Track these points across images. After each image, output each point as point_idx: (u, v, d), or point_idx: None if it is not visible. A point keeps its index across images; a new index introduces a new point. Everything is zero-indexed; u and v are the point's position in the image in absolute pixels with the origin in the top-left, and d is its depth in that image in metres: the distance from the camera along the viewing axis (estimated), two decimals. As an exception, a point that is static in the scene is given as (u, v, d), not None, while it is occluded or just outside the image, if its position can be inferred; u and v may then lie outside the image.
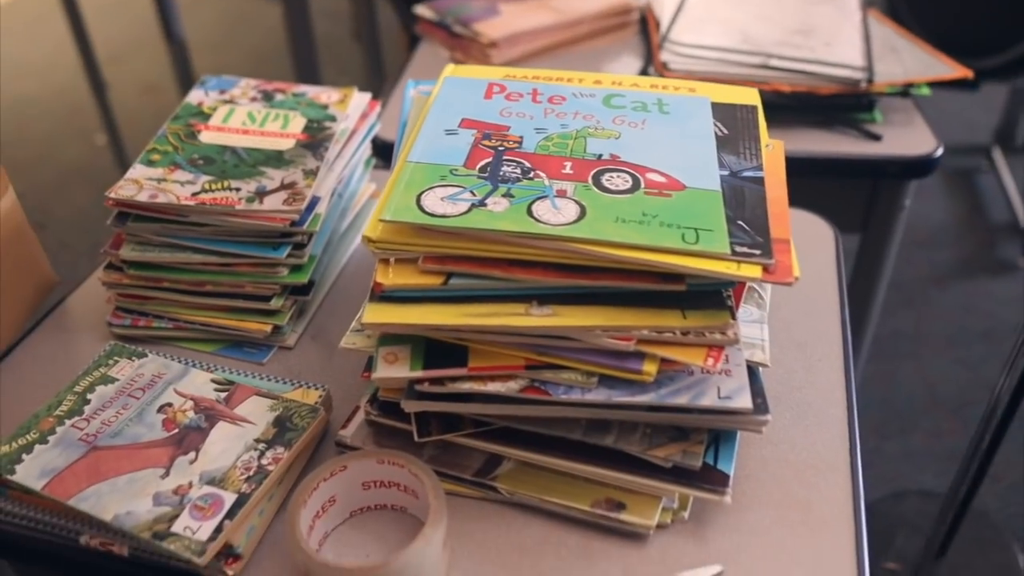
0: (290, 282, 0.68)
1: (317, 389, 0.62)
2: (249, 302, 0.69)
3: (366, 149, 0.84)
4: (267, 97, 0.82)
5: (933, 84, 1.00)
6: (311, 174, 0.71)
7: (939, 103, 1.34)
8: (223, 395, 0.60)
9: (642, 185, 0.54)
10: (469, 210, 0.52)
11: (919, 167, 0.96)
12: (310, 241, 0.69)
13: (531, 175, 0.55)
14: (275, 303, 0.68)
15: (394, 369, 0.52)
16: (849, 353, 0.67)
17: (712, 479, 0.53)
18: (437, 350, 0.53)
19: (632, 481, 0.53)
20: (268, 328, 0.69)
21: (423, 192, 0.53)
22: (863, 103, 1.02)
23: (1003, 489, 1.55)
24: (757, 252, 0.49)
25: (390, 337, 0.54)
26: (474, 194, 0.53)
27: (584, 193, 0.53)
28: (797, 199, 0.69)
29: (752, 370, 0.55)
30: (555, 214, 0.51)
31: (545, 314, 0.51)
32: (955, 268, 2.06)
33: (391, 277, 0.52)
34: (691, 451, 0.53)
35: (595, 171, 0.56)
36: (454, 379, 0.52)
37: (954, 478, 1.24)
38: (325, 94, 0.83)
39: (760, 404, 0.53)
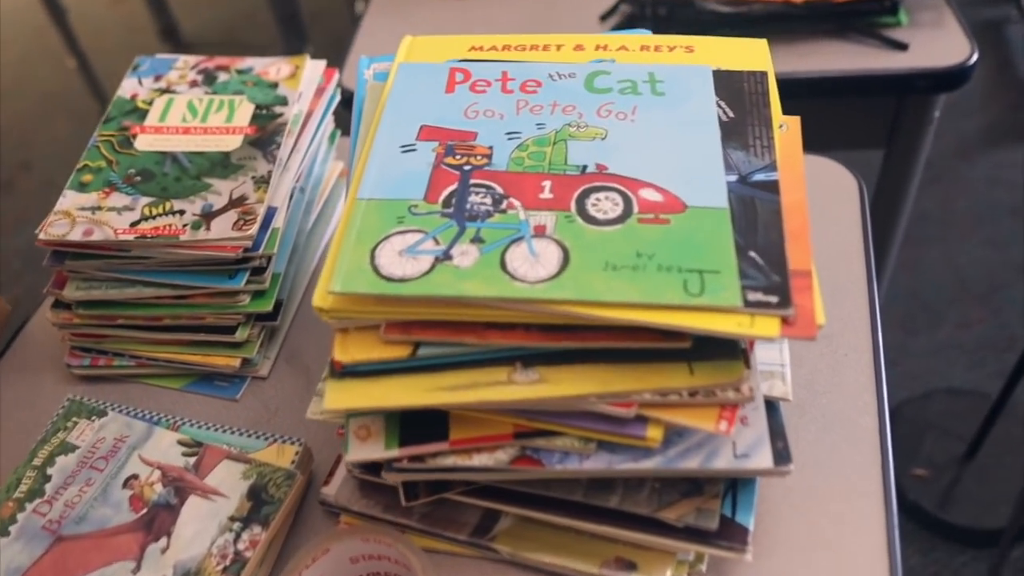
0: (254, 311, 0.62)
1: (293, 444, 0.56)
2: (213, 335, 0.62)
3: (328, 125, 0.75)
4: (208, 79, 0.72)
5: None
6: (262, 183, 0.63)
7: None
8: (191, 460, 0.55)
9: (635, 209, 0.46)
10: (432, 267, 0.44)
11: (952, 79, 0.85)
12: (270, 263, 0.62)
13: (504, 205, 0.47)
14: (240, 334, 0.62)
15: (367, 448, 0.46)
16: (879, 343, 0.60)
17: (730, 535, 0.48)
18: (415, 419, 0.47)
19: (643, 539, 0.48)
20: (236, 362, 0.63)
21: (378, 245, 0.45)
22: (886, 5, 0.90)
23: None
24: (773, 300, 0.42)
25: (360, 406, 0.48)
26: (437, 242, 0.45)
27: (566, 228, 0.45)
28: (810, 126, 0.60)
29: (771, 406, 0.49)
30: (533, 264, 0.44)
31: (531, 380, 0.44)
32: (982, 136, 1.93)
33: (351, 352, 0.45)
34: (706, 508, 0.47)
35: (579, 192, 0.47)
36: (436, 454, 0.46)
37: (1005, 382, 1.19)
38: (274, 67, 0.73)
39: (782, 451, 0.47)
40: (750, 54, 0.57)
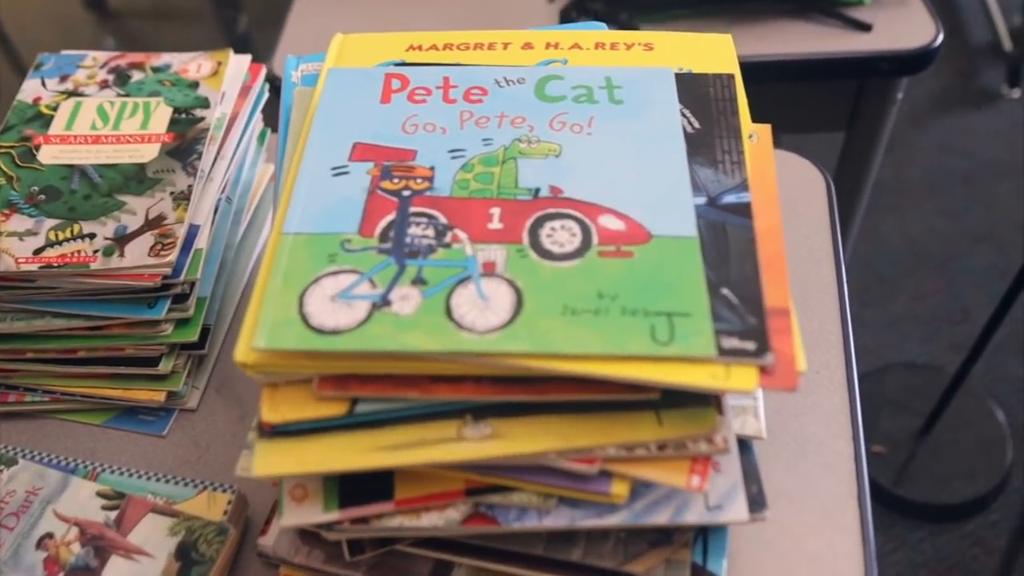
0: (178, 341, 0.56)
1: (225, 492, 0.51)
2: (134, 367, 0.57)
3: (256, 125, 0.69)
4: (121, 79, 0.65)
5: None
6: (182, 199, 0.56)
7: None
8: (113, 514, 0.50)
9: (594, 240, 0.42)
10: (369, 316, 0.39)
11: (916, 62, 0.82)
12: (193, 289, 0.56)
13: (448, 237, 0.42)
14: (164, 366, 0.56)
15: (304, 511, 0.42)
16: (851, 355, 0.57)
17: (703, 585, 0.44)
18: (356, 476, 0.42)
19: (609, 592, 0.45)
20: (161, 396, 0.57)
21: (307, 289, 0.40)
22: (849, -18, 0.85)
23: (986, 353, 1.51)
24: (750, 346, 0.38)
25: (295, 462, 0.43)
26: (374, 285, 0.40)
27: (519, 264, 0.41)
28: (768, 108, 0.56)
29: (744, 445, 0.45)
30: (482, 310, 0.39)
31: (483, 435, 0.40)
32: (933, 103, 1.92)
33: (281, 410, 0.40)
34: (676, 559, 0.44)
35: (532, 221, 0.43)
36: (380, 515, 0.42)
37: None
38: (194, 64, 0.66)
39: (756, 497, 0.44)
40: (714, 52, 0.53)
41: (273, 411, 0.40)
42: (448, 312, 0.39)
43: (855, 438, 0.53)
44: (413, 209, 0.43)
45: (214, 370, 0.61)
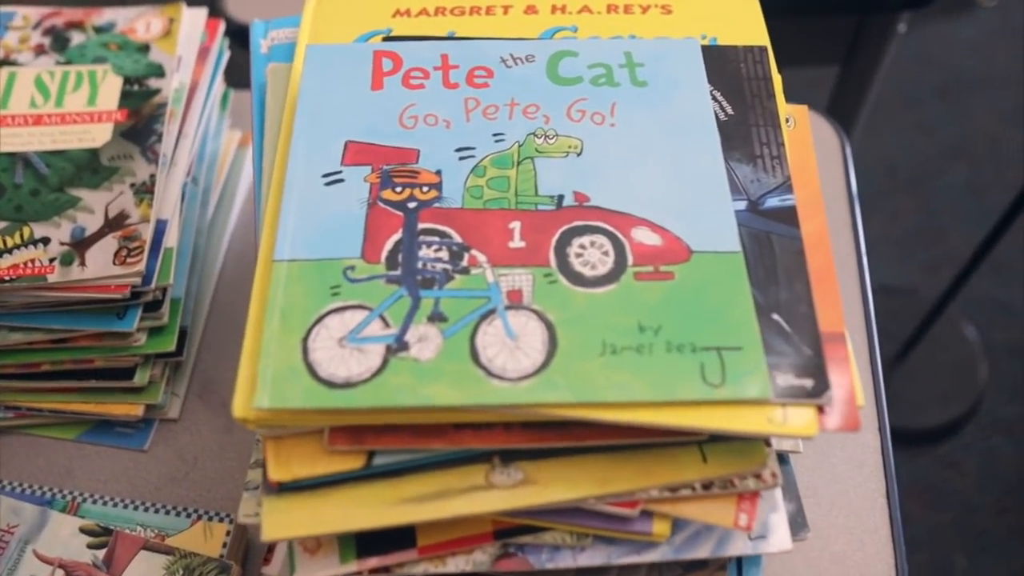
0: (153, 351, 0.51)
1: (222, 522, 0.48)
2: (106, 380, 0.52)
3: (218, 88, 0.62)
4: (59, 42, 0.57)
5: None
6: (144, 193, 0.50)
7: None
8: (100, 552, 0.46)
9: (629, 260, 0.37)
10: (385, 362, 0.35)
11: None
12: (166, 294, 0.50)
13: (465, 260, 0.37)
14: (140, 378, 0.51)
15: (318, 564, 0.38)
16: (875, 340, 0.54)
17: (740, 608, 0.42)
18: (372, 521, 0.39)
19: (642, 617, 0.43)
20: (139, 409, 0.52)
21: (311, 331, 0.35)
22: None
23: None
24: (808, 384, 0.34)
25: (304, 507, 0.39)
26: (387, 323, 0.36)
27: (548, 293, 0.36)
28: None
29: (781, 459, 0.43)
30: (512, 352, 0.35)
31: (514, 481, 0.36)
32: (908, 12, 1.86)
33: (291, 467, 0.36)
34: (714, 585, 0.42)
35: (558, 237, 0.38)
36: (402, 563, 0.39)
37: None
38: (142, 22, 0.59)
39: (796, 516, 0.41)
40: (739, 14, 0.48)
41: (281, 468, 0.36)
42: (474, 356, 0.35)
43: (881, 429, 0.51)
44: (422, 225, 0.38)
45: (194, 373, 0.56)
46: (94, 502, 0.49)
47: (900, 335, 1.33)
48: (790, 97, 0.43)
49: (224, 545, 0.46)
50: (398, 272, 0.37)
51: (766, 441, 0.37)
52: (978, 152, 1.62)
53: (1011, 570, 1.16)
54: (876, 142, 1.65)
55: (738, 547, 0.39)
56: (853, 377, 0.35)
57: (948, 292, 1.19)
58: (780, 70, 0.44)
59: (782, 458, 0.43)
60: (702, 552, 0.39)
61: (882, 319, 1.43)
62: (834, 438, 0.50)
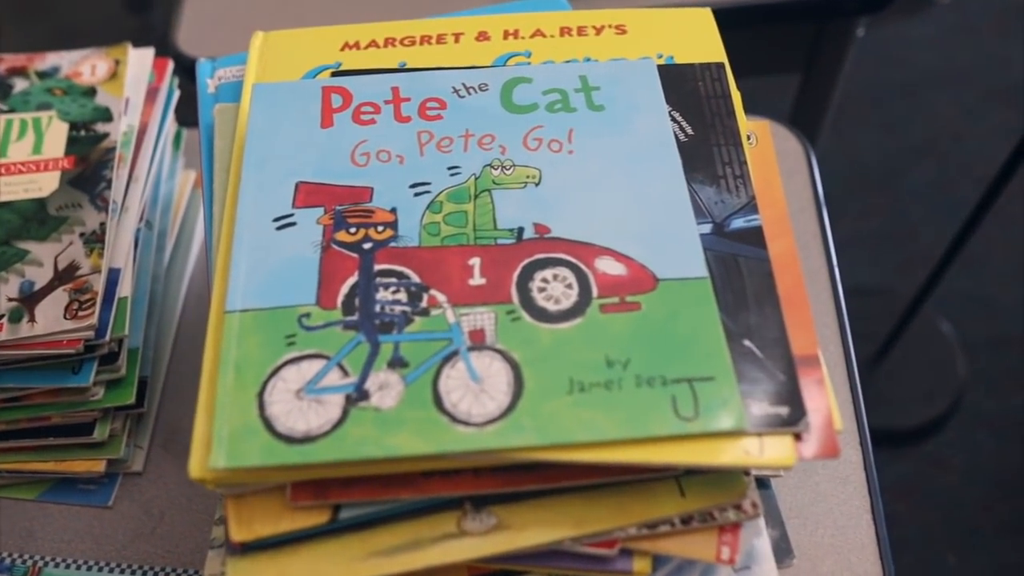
0: (112, 405, 0.49)
1: (191, 581, 0.46)
2: (65, 437, 0.50)
3: (169, 129, 0.60)
4: (2, 89, 0.56)
5: None
6: (95, 242, 0.49)
7: None
8: (61, 621, 0.44)
9: (594, 292, 0.36)
10: (345, 414, 0.33)
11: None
12: (122, 345, 0.49)
13: (423, 301, 0.36)
14: (100, 433, 0.49)
15: (288, 624, 0.37)
16: (851, 351, 0.53)
17: (729, 639, 0.41)
18: None
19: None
20: (101, 466, 0.50)
21: (266, 384, 0.34)
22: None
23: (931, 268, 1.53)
24: (783, 411, 0.33)
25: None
26: (346, 372, 0.34)
27: (512, 331, 0.35)
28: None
29: (761, 483, 0.42)
30: (477, 395, 0.33)
31: (487, 527, 0.35)
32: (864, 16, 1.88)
33: (253, 526, 0.34)
34: (701, 618, 0.41)
35: (520, 271, 0.37)
36: (376, 618, 0.37)
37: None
38: (87, 64, 0.57)
39: (780, 542, 0.40)
40: (695, 31, 0.47)
41: (243, 527, 0.34)
42: (438, 401, 0.33)
43: (862, 444, 0.50)
44: (378, 267, 0.37)
45: (157, 424, 0.54)
46: (56, 565, 0.47)
47: (877, 335, 1.33)
48: (754, 105, 0.43)
49: (193, 606, 0.44)
50: (355, 317, 0.36)
51: (744, 471, 0.36)
52: (944, 148, 1.64)
53: (1002, 565, 1.15)
54: (843, 143, 1.66)
55: (723, 579, 0.38)
56: (829, 400, 0.34)
57: (923, 289, 1.20)
58: (742, 79, 0.44)
59: (763, 482, 0.42)
60: (686, 587, 0.38)
61: (858, 320, 1.43)
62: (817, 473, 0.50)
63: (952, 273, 1.36)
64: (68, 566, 0.47)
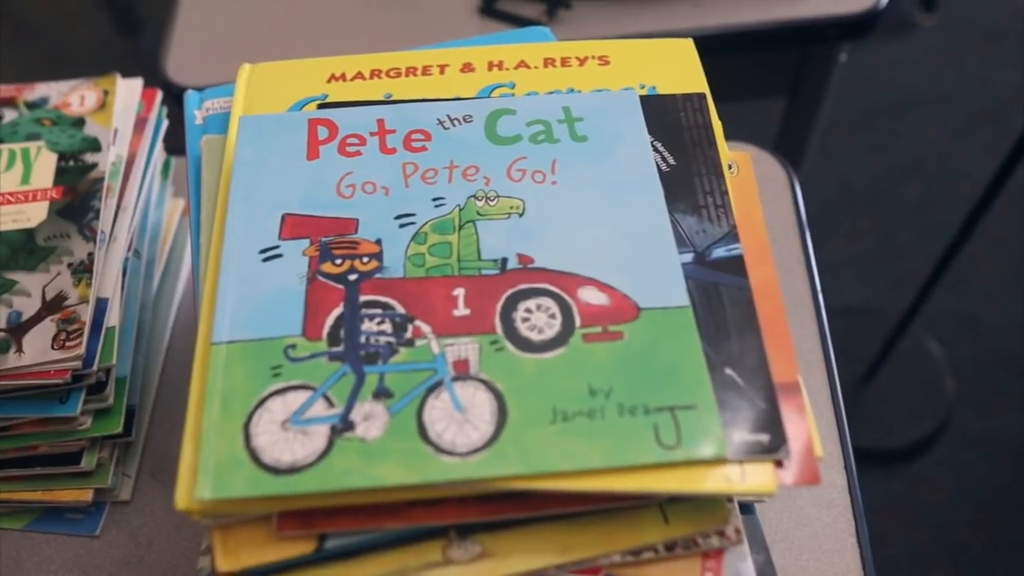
0: (99, 434, 0.49)
1: (176, 611, 0.46)
2: (52, 467, 0.50)
3: (158, 158, 0.61)
4: (-10, 120, 0.56)
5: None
6: (83, 272, 0.49)
7: None
8: (46, 653, 0.44)
9: (577, 322, 0.37)
10: (330, 444, 0.33)
11: (863, 25, 0.78)
12: (110, 375, 0.49)
13: (408, 332, 0.36)
14: (87, 463, 0.50)
15: (274, 655, 0.37)
16: (835, 376, 0.54)
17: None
18: (329, 605, 0.37)
19: None
20: (88, 495, 0.50)
21: (252, 415, 0.34)
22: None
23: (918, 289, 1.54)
24: (764, 439, 0.34)
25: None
26: (331, 403, 0.34)
27: (495, 361, 0.36)
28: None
29: (745, 508, 0.42)
30: (461, 425, 0.34)
31: (472, 555, 0.35)
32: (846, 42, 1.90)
33: (239, 556, 0.34)
34: (687, 645, 0.41)
35: (503, 301, 0.37)
36: (362, 648, 0.37)
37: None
38: (76, 95, 0.58)
39: (764, 567, 0.41)
40: (676, 61, 0.48)
41: (229, 558, 0.34)
42: (422, 432, 0.34)
43: (847, 467, 0.50)
44: (363, 298, 0.37)
45: (145, 452, 0.54)
46: (41, 599, 0.47)
47: (865, 355, 1.34)
48: (740, 128, 0.43)
49: (179, 636, 0.44)
50: (340, 348, 0.36)
51: (727, 498, 0.36)
52: (930, 168, 1.65)
53: (992, 584, 1.16)
54: (829, 164, 1.68)
55: (707, 606, 0.38)
56: (810, 427, 0.35)
57: (910, 309, 1.21)
58: (727, 104, 0.44)
59: (747, 507, 0.42)
60: (671, 614, 0.38)
61: (846, 340, 1.44)
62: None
63: (939, 292, 1.37)
64: (54, 597, 0.47)
